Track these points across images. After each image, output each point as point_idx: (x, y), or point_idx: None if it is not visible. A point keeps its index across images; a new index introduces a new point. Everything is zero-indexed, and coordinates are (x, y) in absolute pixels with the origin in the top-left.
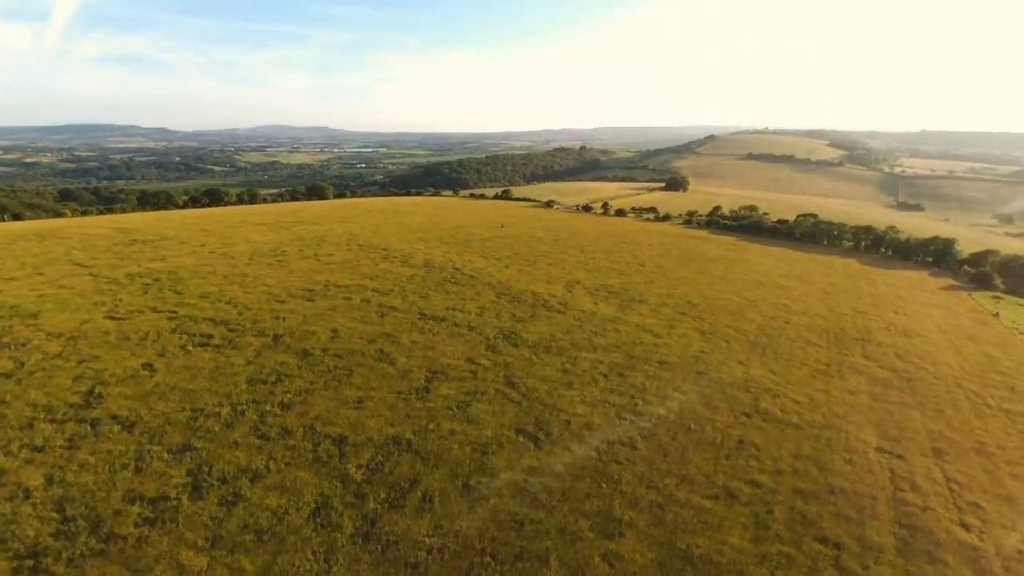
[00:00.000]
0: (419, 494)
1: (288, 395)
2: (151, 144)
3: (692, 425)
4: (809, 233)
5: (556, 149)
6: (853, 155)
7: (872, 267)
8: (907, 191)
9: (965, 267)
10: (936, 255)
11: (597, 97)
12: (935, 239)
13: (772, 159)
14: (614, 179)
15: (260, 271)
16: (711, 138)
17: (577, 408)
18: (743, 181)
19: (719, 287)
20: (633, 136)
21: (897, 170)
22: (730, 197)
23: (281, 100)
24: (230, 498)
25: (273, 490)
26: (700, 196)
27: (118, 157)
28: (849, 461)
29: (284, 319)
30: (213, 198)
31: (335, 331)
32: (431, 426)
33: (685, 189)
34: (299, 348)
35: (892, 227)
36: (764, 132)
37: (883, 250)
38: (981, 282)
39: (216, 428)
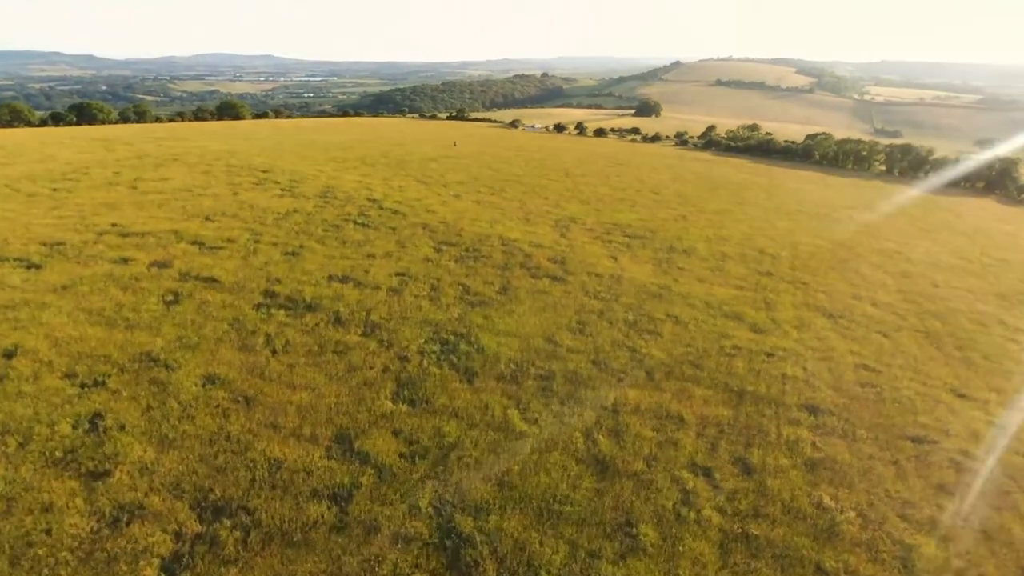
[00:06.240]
0: None
1: None
2: (76, 72)
3: None
4: (832, 155)
5: (516, 76)
6: (822, 82)
7: (929, 194)
8: (882, 118)
9: None
10: (989, 179)
11: (558, 26)
12: (993, 159)
13: (742, 86)
14: (579, 106)
15: None
16: (677, 64)
17: None
18: (714, 108)
19: (783, 225)
20: (595, 66)
21: (867, 97)
22: (706, 123)
23: (223, 24)
24: None
25: None
26: (675, 122)
27: (37, 86)
28: None
29: None
30: (84, 116)
31: (9, 355)
32: None
33: (658, 115)
34: None
35: (930, 148)
36: (729, 60)
37: (922, 173)
38: None
39: None
